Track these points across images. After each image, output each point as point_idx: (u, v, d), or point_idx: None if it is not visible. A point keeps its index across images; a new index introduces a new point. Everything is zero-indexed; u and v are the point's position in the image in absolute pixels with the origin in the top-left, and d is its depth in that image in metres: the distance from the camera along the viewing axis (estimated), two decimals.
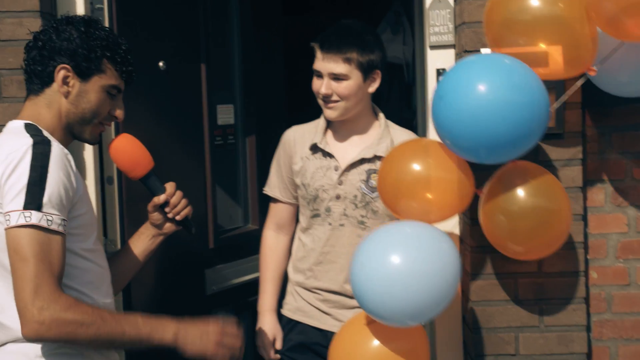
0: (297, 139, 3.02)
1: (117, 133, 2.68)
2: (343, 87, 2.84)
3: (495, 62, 2.46)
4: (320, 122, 3.00)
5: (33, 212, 2.05)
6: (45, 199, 2.06)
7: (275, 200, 3.11)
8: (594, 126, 2.89)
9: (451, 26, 2.97)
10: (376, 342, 2.60)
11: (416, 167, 2.59)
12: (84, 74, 2.27)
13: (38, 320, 2.02)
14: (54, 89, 2.27)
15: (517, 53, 2.50)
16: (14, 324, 2.11)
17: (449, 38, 2.97)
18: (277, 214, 3.12)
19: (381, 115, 2.99)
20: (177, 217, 2.56)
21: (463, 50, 2.85)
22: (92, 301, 2.24)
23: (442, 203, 2.60)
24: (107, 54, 2.30)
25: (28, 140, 2.12)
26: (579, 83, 2.62)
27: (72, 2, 2.95)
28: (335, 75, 2.84)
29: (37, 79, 2.27)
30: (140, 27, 3.27)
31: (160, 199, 2.53)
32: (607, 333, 2.93)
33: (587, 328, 2.90)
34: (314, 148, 2.96)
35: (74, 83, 2.27)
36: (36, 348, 2.15)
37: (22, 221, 2.04)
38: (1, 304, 2.16)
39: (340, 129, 2.98)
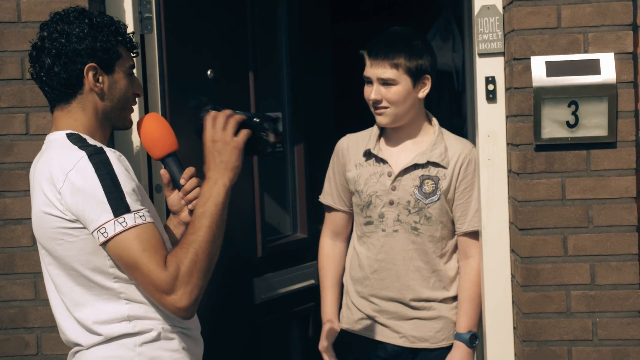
0: (350, 146, 3.03)
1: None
2: (392, 92, 2.85)
3: None
4: (374, 129, 3.01)
5: (125, 215, 2.06)
6: (128, 200, 2.07)
7: (330, 209, 3.13)
8: None
9: (500, 33, 2.92)
10: None
11: None
12: (108, 67, 2.26)
13: (192, 299, 2.08)
14: (86, 91, 2.24)
15: None
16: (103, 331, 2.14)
17: (498, 45, 2.92)
18: (332, 221, 3.14)
19: (435, 122, 2.99)
20: (189, 206, 2.45)
21: (512, 58, 2.80)
22: None
23: None
24: (119, 39, 2.28)
25: (80, 153, 2.11)
26: None
27: (121, 12, 2.98)
28: (384, 81, 2.85)
29: (63, 87, 2.23)
30: (188, 36, 3.29)
31: (165, 177, 2.45)
32: None
33: None
34: (368, 154, 2.97)
35: (103, 78, 2.25)
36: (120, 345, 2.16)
37: (119, 228, 2.05)
38: (95, 314, 2.17)
39: (393, 135, 2.97)
